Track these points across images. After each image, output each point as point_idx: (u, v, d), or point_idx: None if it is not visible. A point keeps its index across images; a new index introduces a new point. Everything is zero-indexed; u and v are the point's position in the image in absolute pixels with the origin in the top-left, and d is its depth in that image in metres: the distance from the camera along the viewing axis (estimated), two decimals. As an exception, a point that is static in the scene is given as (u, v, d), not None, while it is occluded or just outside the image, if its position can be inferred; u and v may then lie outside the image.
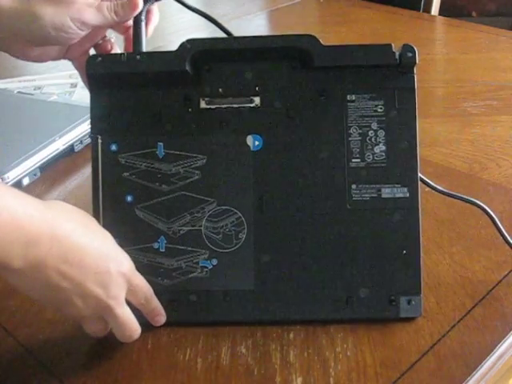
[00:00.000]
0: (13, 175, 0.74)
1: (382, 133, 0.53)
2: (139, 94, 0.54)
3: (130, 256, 0.50)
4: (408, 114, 0.53)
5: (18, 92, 0.94)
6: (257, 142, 0.53)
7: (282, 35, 0.54)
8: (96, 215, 0.54)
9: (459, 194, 0.61)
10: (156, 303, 0.52)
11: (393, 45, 0.53)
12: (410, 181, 0.53)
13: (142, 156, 0.54)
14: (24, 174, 0.75)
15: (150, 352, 0.52)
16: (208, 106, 0.53)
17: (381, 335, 0.53)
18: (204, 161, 0.53)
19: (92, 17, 0.53)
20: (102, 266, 0.47)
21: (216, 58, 0.54)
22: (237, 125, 0.53)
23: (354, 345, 0.52)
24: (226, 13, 1.36)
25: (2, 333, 0.55)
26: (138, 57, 0.54)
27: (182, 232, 0.53)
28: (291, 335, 0.53)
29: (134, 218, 0.54)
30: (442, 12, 1.52)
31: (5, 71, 1.12)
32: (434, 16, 1.47)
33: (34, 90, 1.00)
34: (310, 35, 0.53)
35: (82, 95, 0.98)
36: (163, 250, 0.54)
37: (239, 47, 0.54)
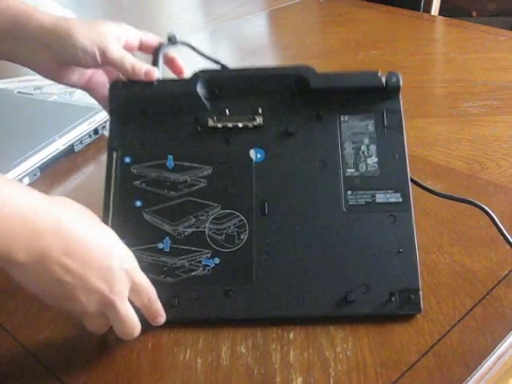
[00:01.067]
0: (13, 175, 0.74)
1: (373, 147, 0.57)
2: (155, 116, 0.59)
3: (135, 255, 0.51)
4: (396, 131, 0.58)
5: (18, 92, 0.94)
6: (259, 155, 0.58)
7: (282, 67, 0.62)
8: (105, 218, 0.56)
9: (458, 196, 0.62)
10: (158, 304, 0.52)
11: (379, 71, 0.59)
12: (402, 187, 0.57)
13: (153, 167, 0.58)
14: (24, 173, 0.75)
15: (150, 352, 0.52)
16: (215, 125, 0.58)
17: (381, 335, 0.53)
18: (210, 171, 0.57)
19: (113, 58, 0.60)
20: (104, 260, 0.47)
21: (224, 85, 0.60)
22: (241, 140, 0.58)
23: (354, 345, 0.52)
24: (226, 13, 1.36)
25: (2, 333, 0.55)
26: (156, 83, 0.60)
27: (186, 233, 0.56)
28: (291, 335, 0.53)
29: (142, 220, 0.56)
30: (442, 12, 1.52)
31: (5, 71, 1.12)
32: (434, 16, 1.47)
33: (34, 90, 1.00)
34: (307, 66, 0.60)
35: (82, 95, 0.98)
36: (167, 250, 0.55)
37: (244, 77, 0.60)
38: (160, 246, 0.56)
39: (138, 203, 0.57)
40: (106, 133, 0.87)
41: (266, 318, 0.54)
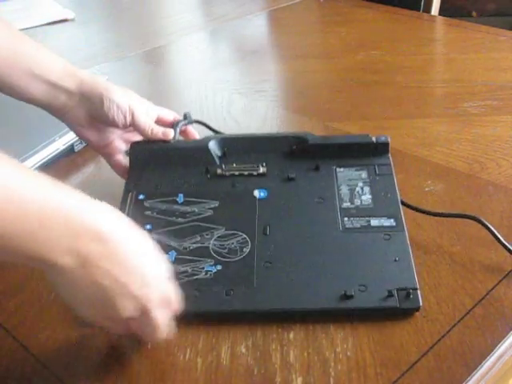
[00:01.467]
0: (13, 175, 0.73)
1: (367, 188, 0.63)
2: (169, 167, 0.66)
3: None
4: (388, 177, 0.65)
5: (18, 92, 0.93)
6: (262, 193, 0.64)
7: (283, 132, 0.72)
8: None
9: (451, 212, 0.65)
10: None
11: (369, 134, 0.67)
12: (395, 214, 0.61)
13: (164, 202, 0.63)
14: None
15: (150, 352, 0.52)
16: (223, 173, 0.66)
17: (381, 335, 0.53)
18: (217, 204, 0.63)
19: (139, 120, 0.67)
20: (144, 268, 0.47)
21: (232, 145, 0.68)
22: (246, 184, 0.65)
23: (354, 345, 0.52)
24: (226, 13, 1.36)
25: (2, 333, 0.55)
26: (172, 141, 0.69)
27: (191, 248, 0.59)
28: (291, 335, 0.53)
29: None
30: (442, 12, 1.52)
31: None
32: (434, 16, 1.47)
33: (34, 89, 0.99)
34: (305, 131, 0.69)
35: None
36: (172, 260, 0.58)
37: (250, 140, 0.69)
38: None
39: (148, 227, 0.61)
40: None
41: (267, 311, 0.54)
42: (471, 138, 0.83)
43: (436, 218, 0.66)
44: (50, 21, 1.34)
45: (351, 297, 0.54)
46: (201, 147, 0.67)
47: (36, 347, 0.53)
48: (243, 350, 0.52)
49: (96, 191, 0.79)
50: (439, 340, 0.52)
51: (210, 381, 0.49)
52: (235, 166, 0.66)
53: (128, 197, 0.64)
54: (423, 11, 1.46)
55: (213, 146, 0.68)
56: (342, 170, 0.65)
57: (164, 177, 0.66)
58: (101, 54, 1.18)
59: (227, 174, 0.65)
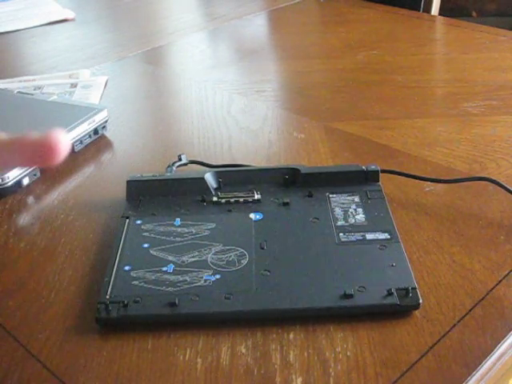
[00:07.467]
0: (13, 175, 0.74)
1: (360, 209, 0.66)
2: (166, 198, 0.70)
3: (139, 274, 0.58)
4: (380, 201, 0.68)
5: (18, 92, 0.94)
6: (258, 216, 0.67)
7: (276, 166, 0.75)
8: (113, 257, 0.61)
9: (466, 177, 0.70)
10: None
11: (359, 164, 0.71)
12: (389, 230, 0.63)
13: (162, 225, 0.66)
14: (24, 174, 0.75)
15: (150, 352, 0.52)
16: (219, 200, 0.69)
17: (381, 335, 0.53)
18: (213, 225, 0.65)
19: None
20: None
21: (227, 178, 0.72)
22: (242, 209, 0.68)
23: (354, 345, 0.52)
24: (226, 13, 1.36)
25: (2, 333, 0.55)
26: (169, 174, 0.72)
27: (189, 261, 0.60)
28: (291, 335, 0.53)
29: (148, 255, 0.61)
30: (442, 12, 1.52)
31: (5, 71, 1.12)
32: (434, 16, 1.47)
33: (34, 90, 1.00)
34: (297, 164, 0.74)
35: (82, 95, 0.98)
36: (170, 271, 0.59)
37: (244, 172, 0.73)
38: (164, 269, 0.59)
39: (146, 245, 0.62)
40: (106, 133, 0.87)
41: (267, 311, 0.55)
42: (471, 138, 0.83)
43: (435, 218, 0.66)
44: (50, 21, 1.34)
45: (351, 296, 0.54)
46: (197, 178, 0.71)
47: (36, 347, 0.53)
48: (243, 350, 0.52)
49: (96, 191, 0.79)
50: (439, 340, 0.52)
51: (209, 381, 0.49)
52: (230, 194, 0.70)
53: (125, 222, 0.65)
54: (423, 11, 1.46)
55: (208, 177, 0.71)
56: (334, 196, 0.68)
57: (161, 206, 0.68)
58: (101, 54, 1.18)
59: (223, 201, 0.68)
